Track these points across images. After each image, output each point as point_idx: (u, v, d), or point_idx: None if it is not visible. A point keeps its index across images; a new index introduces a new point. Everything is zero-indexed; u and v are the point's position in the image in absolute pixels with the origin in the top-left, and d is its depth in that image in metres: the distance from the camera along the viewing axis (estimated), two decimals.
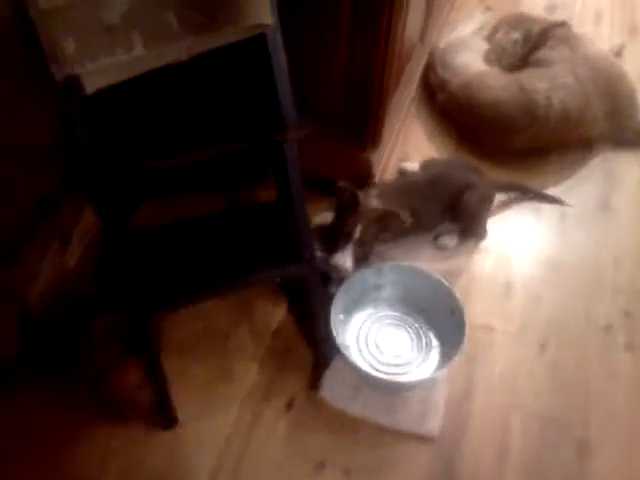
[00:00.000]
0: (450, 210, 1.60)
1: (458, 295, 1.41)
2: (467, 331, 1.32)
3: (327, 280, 1.44)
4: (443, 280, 1.43)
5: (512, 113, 1.78)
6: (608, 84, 1.79)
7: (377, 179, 1.72)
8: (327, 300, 1.35)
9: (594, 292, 1.60)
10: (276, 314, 1.50)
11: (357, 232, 1.38)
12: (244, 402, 1.36)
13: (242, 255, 1.25)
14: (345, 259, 1.37)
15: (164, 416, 1.30)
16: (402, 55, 1.65)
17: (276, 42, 1.03)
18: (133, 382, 1.36)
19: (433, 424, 1.31)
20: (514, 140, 1.84)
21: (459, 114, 1.93)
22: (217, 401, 1.35)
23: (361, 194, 1.44)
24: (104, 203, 1.10)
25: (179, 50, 0.99)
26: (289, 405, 1.36)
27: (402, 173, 1.82)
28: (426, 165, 1.74)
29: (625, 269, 1.65)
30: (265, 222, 1.36)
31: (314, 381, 1.38)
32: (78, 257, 1.56)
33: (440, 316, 1.43)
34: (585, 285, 1.62)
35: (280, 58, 1.05)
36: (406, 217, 1.44)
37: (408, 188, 1.59)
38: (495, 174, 1.77)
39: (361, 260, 1.43)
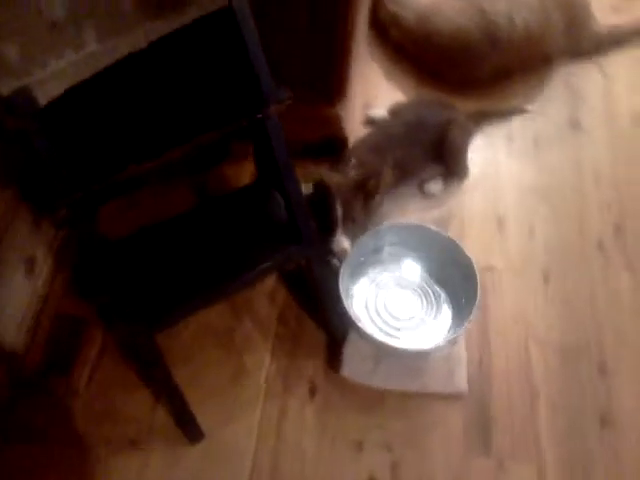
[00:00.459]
0: (432, 152, 1.54)
1: (458, 242, 1.37)
2: (479, 280, 1.29)
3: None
4: (442, 231, 1.38)
5: (474, 39, 1.71)
6: None
7: (349, 136, 1.61)
8: (332, 276, 1.28)
9: (582, 213, 1.60)
10: (276, 300, 1.42)
11: (339, 212, 1.31)
12: (266, 398, 1.30)
13: (238, 249, 1.16)
14: (340, 242, 1.31)
15: (188, 431, 1.22)
16: None
17: (245, 12, 0.90)
18: (146, 403, 1.27)
19: (461, 380, 1.29)
20: (478, 68, 1.77)
21: (417, 48, 1.83)
22: (238, 403, 1.29)
23: (340, 168, 1.38)
24: (78, 221, 0.97)
25: (137, 38, 0.85)
26: (312, 391, 1.31)
27: (370, 122, 1.73)
28: (396, 111, 1.65)
29: (606, 184, 1.66)
30: (249, 208, 1.25)
31: (331, 361, 1.33)
32: (47, 279, 1.40)
33: (443, 268, 1.39)
34: (572, 207, 1.61)
35: (251, 29, 0.92)
36: (388, 175, 1.37)
37: (386, 140, 1.50)
38: (463, 106, 1.70)
39: (360, 234, 1.36)
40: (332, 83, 1.51)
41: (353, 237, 1.35)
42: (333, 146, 1.61)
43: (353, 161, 1.44)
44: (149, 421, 1.26)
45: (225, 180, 1.62)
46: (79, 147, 0.93)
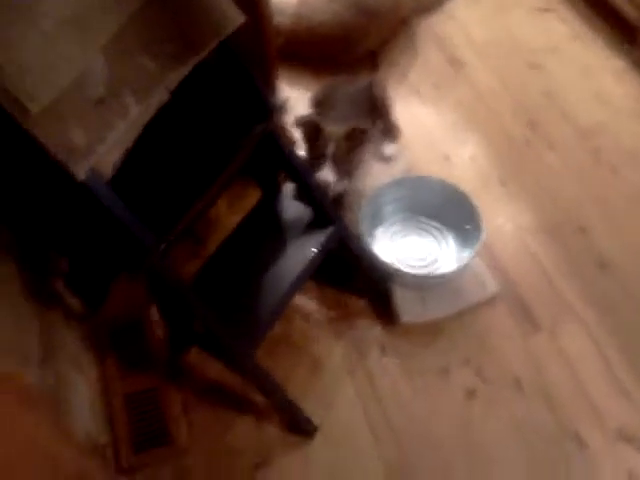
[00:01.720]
0: (371, 118, 1.73)
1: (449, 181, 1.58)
2: (479, 210, 1.51)
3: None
4: (425, 175, 1.59)
5: (351, 20, 1.93)
6: None
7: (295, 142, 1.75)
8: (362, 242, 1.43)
9: (501, 125, 1.90)
10: (312, 292, 1.53)
11: (330, 149, 1.46)
12: (349, 372, 1.40)
13: (291, 252, 1.26)
14: (327, 175, 1.46)
15: (304, 428, 1.30)
16: None
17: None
18: (251, 427, 1.33)
19: (491, 284, 1.50)
20: (362, 42, 2.00)
21: (302, 47, 2.00)
22: (329, 388, 1.38)
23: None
24: (166, 269, 1.01)
25: (161, 92, 0.93)
26: (383, 348, 1.44)
27: (300, 123, 1.86)
28: (320, 99, 1.81)
29: (504, 95, 1.97)
30: (274, 218, 1.35)
31: (384, 316, 1.48)
32: (97, 368, 1.39)
33: (436, 205, 1.59)
34: (491, 124, 1.90)
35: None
36: (369, 124, 1.58)
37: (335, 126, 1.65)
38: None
39: (344, 177, 1.51)
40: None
41: (336, 176, 1.49)
42: None
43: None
44: (263, 440, 1.31)
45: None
46: (144, 200, 0.98)
